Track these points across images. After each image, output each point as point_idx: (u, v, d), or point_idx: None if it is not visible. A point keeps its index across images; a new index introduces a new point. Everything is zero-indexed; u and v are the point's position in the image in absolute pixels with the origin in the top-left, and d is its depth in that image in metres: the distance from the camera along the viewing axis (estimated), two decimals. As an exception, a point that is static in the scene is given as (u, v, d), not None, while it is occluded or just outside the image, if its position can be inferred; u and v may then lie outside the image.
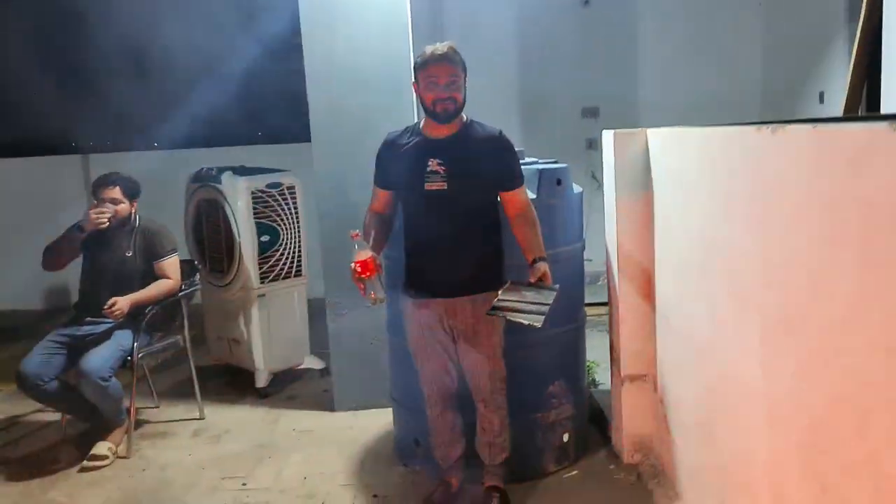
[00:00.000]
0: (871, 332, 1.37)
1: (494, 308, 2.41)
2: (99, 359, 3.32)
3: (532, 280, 2.50)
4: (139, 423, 3.80)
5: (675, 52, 5.94)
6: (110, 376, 3.33)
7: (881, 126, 1.29)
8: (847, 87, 4.10)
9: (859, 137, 1.38)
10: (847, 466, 1.49)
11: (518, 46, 6.05)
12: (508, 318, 2.38)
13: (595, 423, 3.45)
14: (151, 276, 3.60)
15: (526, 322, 2.34)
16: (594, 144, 6.19)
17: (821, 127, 1.52)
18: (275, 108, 5.99)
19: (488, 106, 5.63)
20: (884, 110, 3.86)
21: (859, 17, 4.08)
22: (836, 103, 4.66)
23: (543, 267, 2.52)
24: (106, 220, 3.48)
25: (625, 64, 6.10)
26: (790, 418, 1.76)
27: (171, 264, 3.64)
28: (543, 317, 2.35)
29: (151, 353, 3.68)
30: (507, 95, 6.06)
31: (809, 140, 1.59)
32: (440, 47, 2.53)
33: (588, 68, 6.01)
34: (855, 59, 4.01)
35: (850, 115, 3.95)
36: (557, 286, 2.50)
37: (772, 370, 1.84)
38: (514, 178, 2.62)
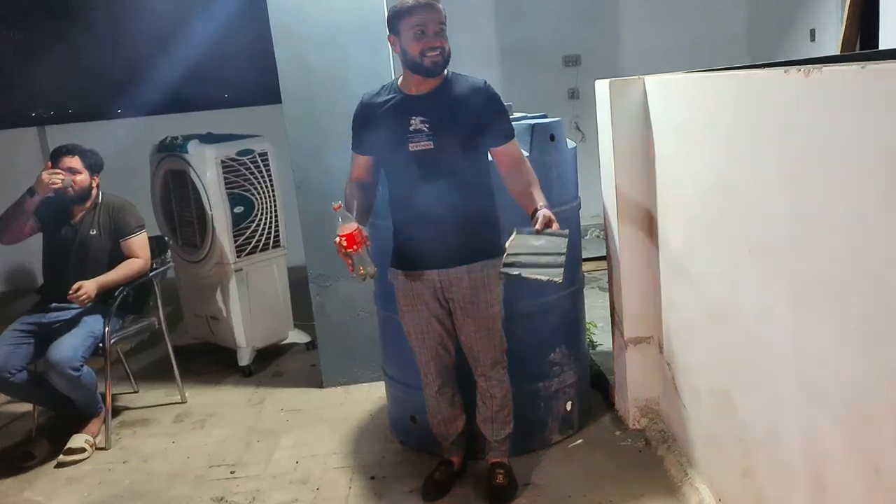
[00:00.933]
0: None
1: (506, 265, 2.19)
2: (68, 348, 3.10)
3: (538, 227, 2.24)
4: (117, 411, 3.61)
5: (657, -6, 5.71)
6: (81, 365, 3.12)
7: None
8: (843, 23, 3.92)
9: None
10: (906, 446, 1.34)
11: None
12: (524, 275, 2.13)
13: (597, 387, 3.31)
14: (119, 255, 3.36)
15: (545, 278, 2.11)
16: (576, 94, 5.99)
17: (871, 66, 1.33)
18: (242, 68, 5.69)
19: (468, 57, 5.39)
20: (882, 45, 3.69)
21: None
22: (829, 41, 4.49)
23: (548, 212, 2.29)
24: (60, 182, 3.21)
25: (605, 10, 5.87)
26: (831, 390, 1.60)
27: (139, 241, 3.40)
28: (562, 269, 2.13)
29: (125, 338, 3.47)
30: (487, 46, 5.82)
31: (856, 82, 1.40)
32: None
33: (568, 16, 5.78)
34: (852, -7, 3.82)
35: (851, 53, 3.78)
36: (567, 231, 2.27)
37: (807, 340, 1.68)
38: (504, 131, 2.42)
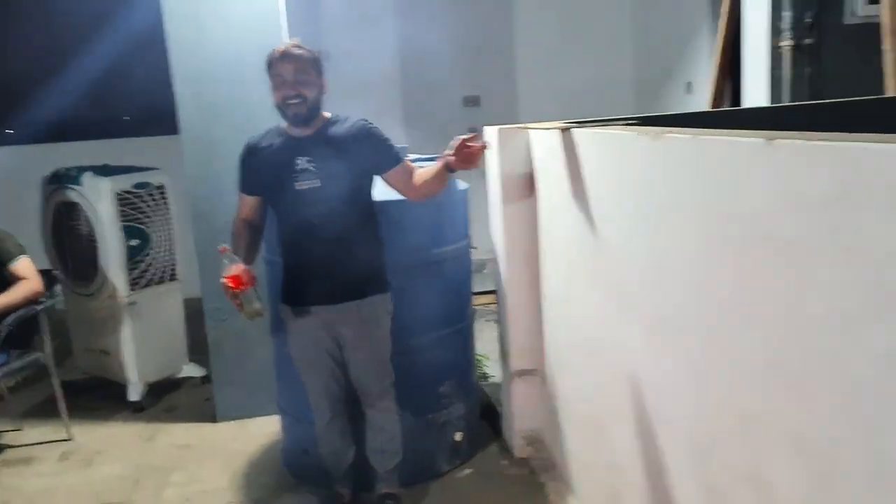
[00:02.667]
0: (750, 342, 1.41)
1: None
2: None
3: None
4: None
5: (551, 42, 6.03)
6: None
7: (757, 142, 1.31)
8: (713, 81, 4.29)
9: (739, 151, 1.40)
10: (731, 470, 1.53)
11: (397, 36, 5.95)
12: None
13: (486, 418, 3.46)
14: (4, 285, 3.27)
15: None
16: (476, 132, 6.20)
17: (701, 137, 1.54)
18: (139, 98, 5.61)
19: (369, 97, 5.58)
20: (745, 103, 4.06)
21: (721, 13, 4.27)
22: (703, 92, 4.87)
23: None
24: None
25: (503, 52, 6.14)
26: (676, 419, 1.79)
27: (24, 265, 3.32)
28: None
29: (9, 373, 3.37)
30: (388, 86, 5.96)
31: (690, 149, 1.61)
32: (285, 43, 2.45)
33: (468, 57, 6.01)
34: (719, 54, 4.20)
35: (716, 110, 4.14)
36: None
37: (658, 372, 1.87)
38: (392, 155, 2.54)
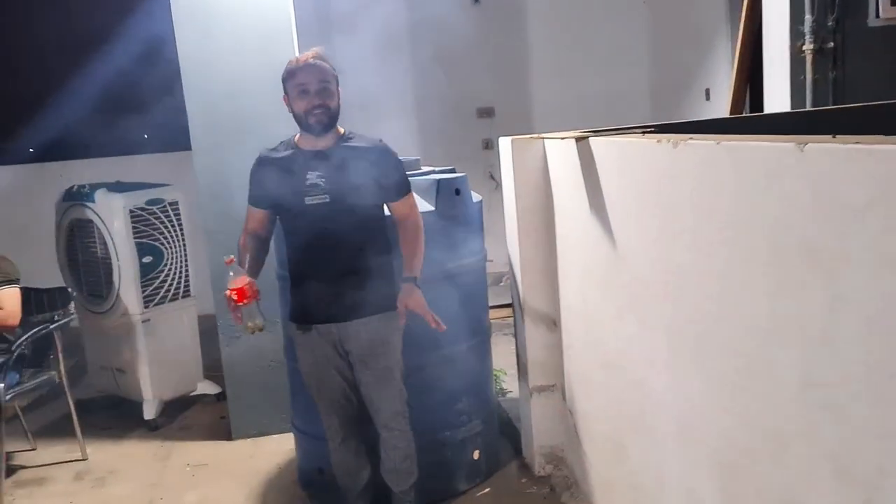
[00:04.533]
0: (784, 359, 1.33)
1: None
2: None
3: (399, 308, 2.46)
4: (12, 470, 3.45)
5: (566, 51, 5.98)
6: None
7: (787, 147, 1.24)
8: (732, 87, 4.21)
9: (768, 156, 1.33)
10: (763, 493, 1.45)
11: (410, 48, 5.93)
12: None
13: (505, 434, 3.38)
14: None
15: None
16: (490, 144, 6.17)
17: (725, 143, 1.47)
18: (151, 115, 5.60)
19: (383, 109, 5.56)
20: (767, 109, 3.97)
21: (740, 17, 4.19)
22: (722, 100, 4.79)
23: (411, 293, 2.46)
24: None
25: (517, 63, 6.10)
26: (702, 438, 1.71)
27: (8, 294, 3.26)
28: None
29: (22, 393, 3.34)
30: (402, 98, 5.95)
31: (713, 156, 1.53)
32: (307, 54, 2.42)
33: (481, 68, 5.97)
34: (738, 59, 4.12)
35: (738, 116, 4.06)
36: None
37: (681, 388, 1.79)
38: (399, 187, 2.50)
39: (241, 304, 2.30)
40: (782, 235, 1.29)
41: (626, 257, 2.12)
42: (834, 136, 1.23)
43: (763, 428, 1.43)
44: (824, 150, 1.18)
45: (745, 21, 4.05)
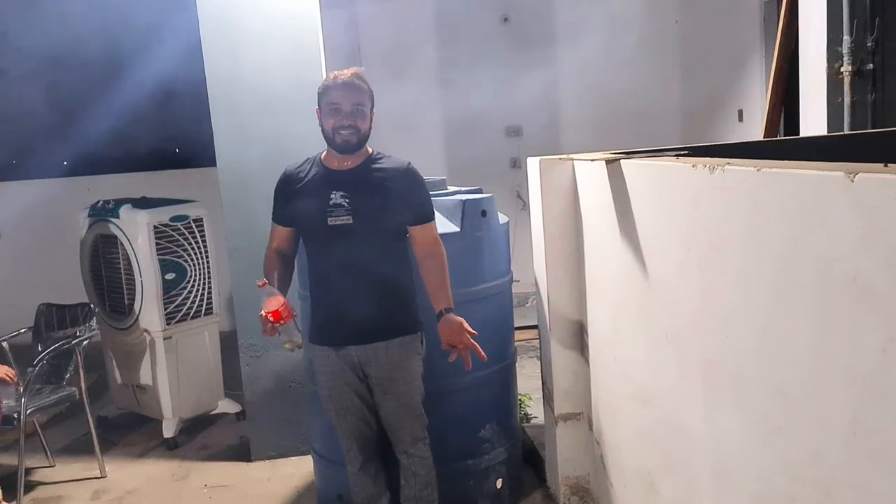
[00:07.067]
0: (830, 401, 1.24)
1: None
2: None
3: (444, 346, 2.37)
4: (30, 486, 3.42)
5: (595, 70, 5.90)
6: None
7: (835, 176, 1.16)
8: (766, 108, 4.11)
9: (814, 187, 1.24)
10: (808, 544, 1.36)
11: (438, 66, 5.90)
12: None
13: (529, 462, 3.28)
14: None
15: None
16: (518, 163, 6.11)
17: (767, 171, 1.39)
18: (181, 130, 5.63)
19: (411, 127, 5.53)
20: (803, 132, 3.87)
21: (776, 37, 4.10)
22: (756, 121, 4.69)
23: (455, 321, 2.37)
24: None
25: (545, 83, 6.04)
26: (739, 482, 1.62)
27: None
28: None
29: (41, 409, 3.33)
30: (431, 116, 5.92)
31: (753, 183, 1.46)
32: (344, 72, 2.38)
33: (510, 87, 5.92)
34: (773, 80, 4.02)
35: (774, 139, 3.96)
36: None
37: (718, 426, 1.70)
38: (423, 212, 2.45)
39: (277, 324, 2.27)
40: (831, 269, 1.21)
41: (658, 285, 2.03)
42: (886, 165, 1.15)
43: (807, 475, 1.33)
44: (877, 180, 1.10)
45: (780, 41, 3.95)
